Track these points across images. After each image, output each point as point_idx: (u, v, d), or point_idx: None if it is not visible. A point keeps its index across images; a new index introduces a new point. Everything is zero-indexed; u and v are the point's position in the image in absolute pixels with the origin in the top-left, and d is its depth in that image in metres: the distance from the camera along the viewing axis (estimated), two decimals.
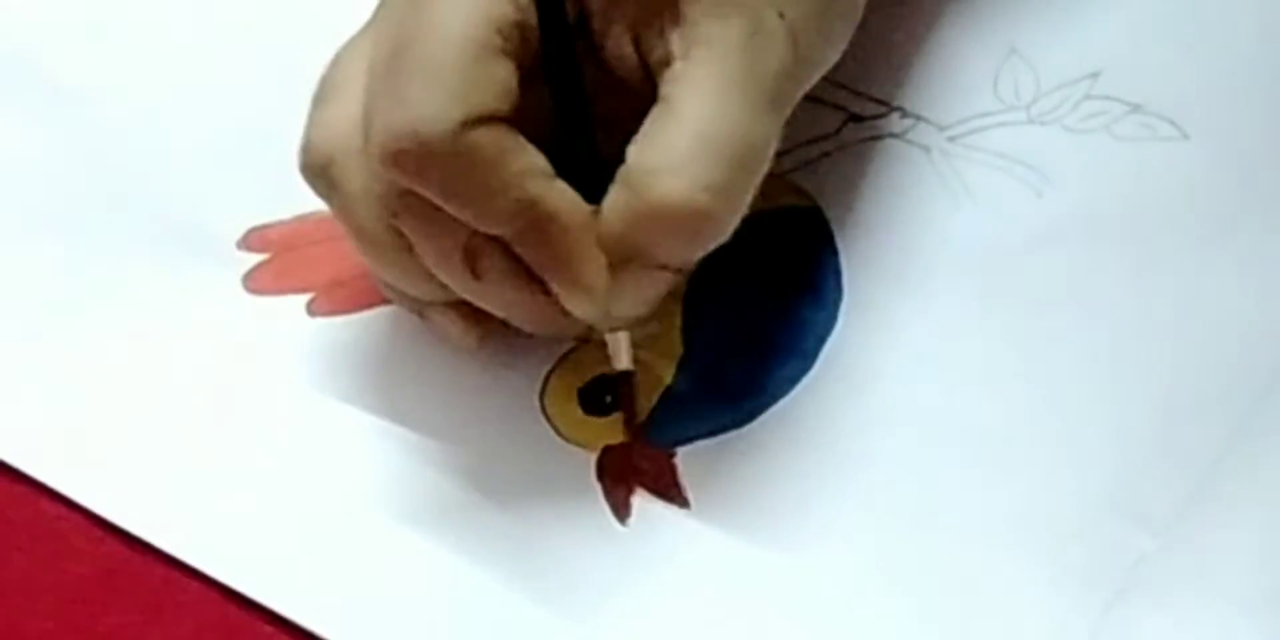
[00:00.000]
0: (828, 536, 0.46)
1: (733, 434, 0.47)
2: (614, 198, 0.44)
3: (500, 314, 0.47)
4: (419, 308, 0.48)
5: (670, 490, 0.47)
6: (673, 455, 0.47)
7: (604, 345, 0.47)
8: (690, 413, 0.48)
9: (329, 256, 0.50)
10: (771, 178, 0.48)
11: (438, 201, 0.44)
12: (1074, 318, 0.49)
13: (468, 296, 0.46)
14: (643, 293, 0.46)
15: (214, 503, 0.47)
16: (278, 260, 0.50)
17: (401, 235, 0.45)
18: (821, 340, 0.48)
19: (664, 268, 0.45)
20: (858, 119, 0.52)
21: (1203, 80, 0.52)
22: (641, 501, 0.47)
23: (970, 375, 0.48)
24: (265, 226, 0.50)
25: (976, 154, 0.51)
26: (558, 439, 0.47)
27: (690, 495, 0.47)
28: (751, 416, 0.48)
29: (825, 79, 0.50)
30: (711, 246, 0.45)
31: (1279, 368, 0.48)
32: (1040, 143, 0.51)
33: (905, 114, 0.52)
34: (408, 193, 0.44)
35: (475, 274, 0.45)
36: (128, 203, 0.51)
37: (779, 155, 0.49)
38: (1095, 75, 0.52)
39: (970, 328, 0.49)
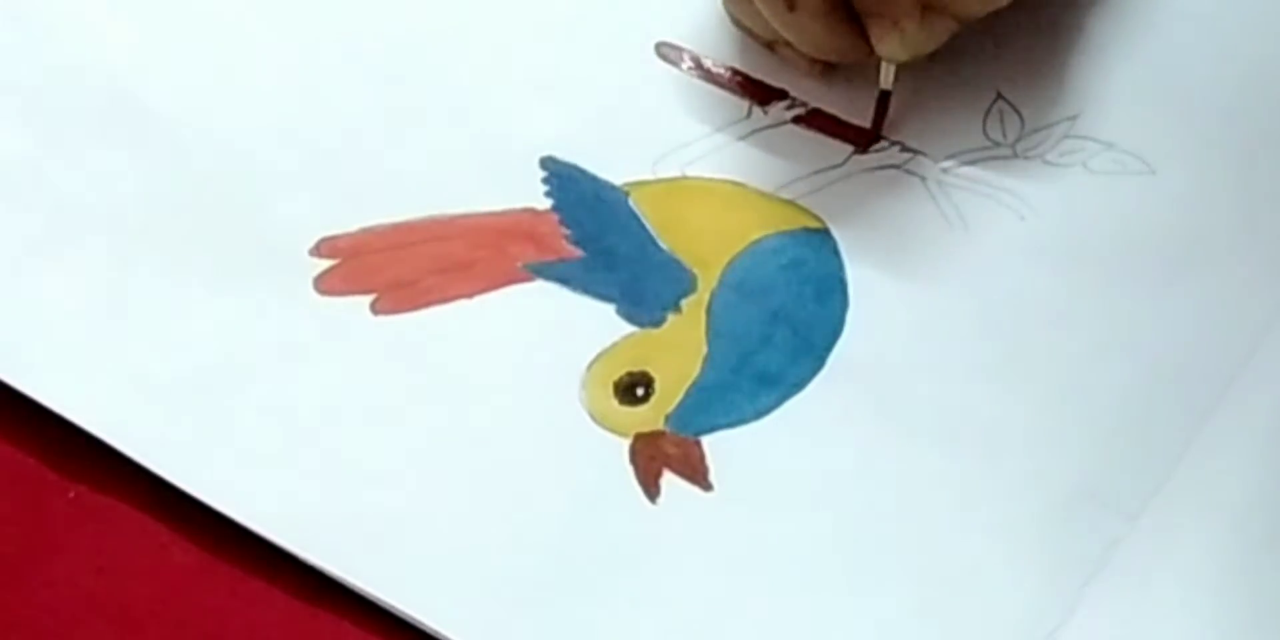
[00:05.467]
0: (831, 517, 0.49)
1: (752, 425, 0.50)
2: None
3: (799, 42, 0.53)
4: (766, 42, 0.55)
5: (695, 474, 0.49)
6: (698, 443, 0.50)
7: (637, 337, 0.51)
8: (714, 404, 0.50)
9: (390, 262, 0.52)
10: (787, 204, 0.52)
11: None
12: (1052, 326, 0.51)
13: (778, 26, 0.53)
14: (934, 36, 0.53)
15: (285, 477, 0.49)
16: (345, 265, 0.52)
17: None
18: (830, 343, 0.51)
19: (954, 17, 0.52)
20: (863, 152, 0.54)
21: (1169, 123, 0.55)
22: (669, 483, 0.49)
23: (958, 375, 0.51)
24: (335, 236, 0.52)
25: (968, 183, 0.54)
26: (595, 426, 0.50)
27: (713, 479, 0.49)
28: (769, 409, 0.50)
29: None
30: (993, 8, 0.53)
31: (1232, 374, 0.50)
32: (1024, 175, 0.54)
33: (905, 148, 0.54)
34: None
35: (790, 5, 0.51)
36: (217, 216, 0.53)
37: (793, 182, 0.53)
38: (1074, 118, 0.55)
39: (959, 333, 0.51)
